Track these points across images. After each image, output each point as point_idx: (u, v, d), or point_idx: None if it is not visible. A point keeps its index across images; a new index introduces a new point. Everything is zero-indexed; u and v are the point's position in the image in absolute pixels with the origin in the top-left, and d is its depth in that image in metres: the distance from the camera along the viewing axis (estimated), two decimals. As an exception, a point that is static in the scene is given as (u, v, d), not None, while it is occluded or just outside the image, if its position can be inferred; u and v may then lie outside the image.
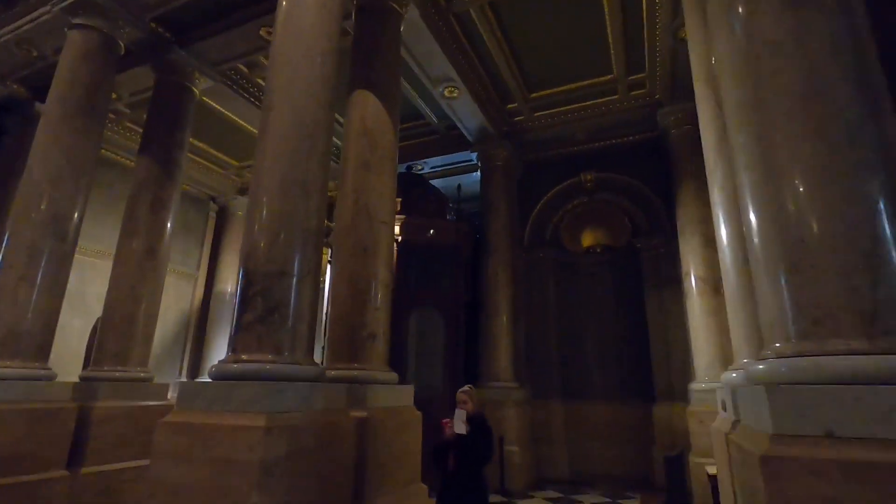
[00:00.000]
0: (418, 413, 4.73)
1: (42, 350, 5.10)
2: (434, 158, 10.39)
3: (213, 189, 12.29)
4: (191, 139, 9.73)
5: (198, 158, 11.11)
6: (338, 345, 4.41)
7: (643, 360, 8.67)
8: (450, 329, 8.15)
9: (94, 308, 10.14)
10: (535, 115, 9.05)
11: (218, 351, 11.53)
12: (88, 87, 5.78)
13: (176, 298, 11.63)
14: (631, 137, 9.20)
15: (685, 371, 8.04)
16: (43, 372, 5.02)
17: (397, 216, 8.17)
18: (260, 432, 2.87)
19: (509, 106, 8.89)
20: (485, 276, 8.82)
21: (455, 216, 9.27)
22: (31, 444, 4.73)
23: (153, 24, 6.56)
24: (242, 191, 12.27)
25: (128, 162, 10.71)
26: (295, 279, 3.54)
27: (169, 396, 6.64)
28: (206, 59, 7.09)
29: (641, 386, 8.62)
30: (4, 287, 4.96)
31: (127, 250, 6.17)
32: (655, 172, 9.05)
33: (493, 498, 7.07)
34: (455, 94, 7.88)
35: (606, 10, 6.63)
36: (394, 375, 4.60)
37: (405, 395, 4.70)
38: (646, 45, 7.16)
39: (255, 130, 9.41)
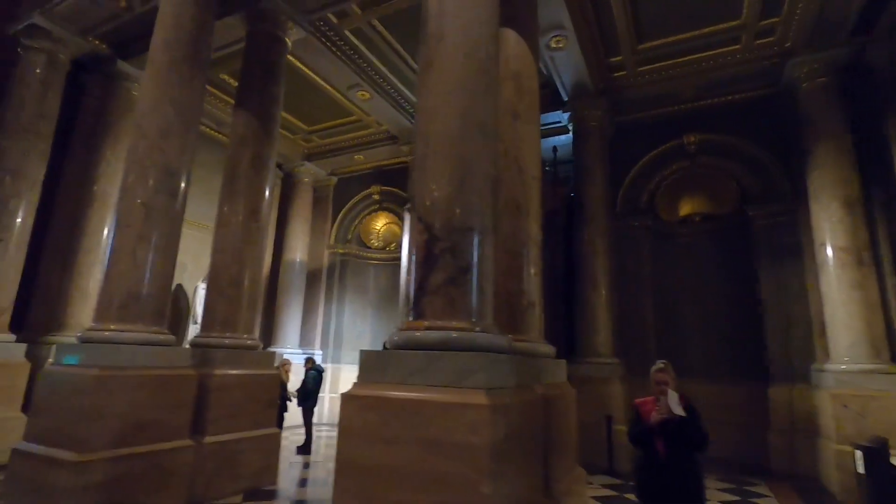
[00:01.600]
0: (574, 390, 4.27)
1: (160, 313, 4.81)
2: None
3: (278, 155, 11.91)
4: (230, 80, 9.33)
5: None
6: (496, 314, 3.93)
7: (753, 338, 8.01)
8: (556, 300, 7.64)
9: (176, 277, 10.04)
10: (639, 69, 8.24)
11: (290, 318, 11.37)
12: (192, 33, 5.33)
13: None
14: (743, 94, 8.32)
15: (807, 350, 7.37)
16: (162, 337, 4.74)
17: (494, 179, 7.61)
18: (485, 411, 2.43)
19: (613, 59, 8.10)
20: (580, 244, 8.22)
21: (552, 179, 8.63)
22: (156, 411, 4.48)
23: (249, -34, 6.04)
24: (310, 157, 11.88)
25: (204, 128, 10.41)
26: (480, 235, 3.05)
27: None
28: (301, 6, 6.56)
29: (751, 365, 7.98)
30: (122, 247, 4.65)
31: (230, 210, 5.82)
32: (770, 132, 8.19)
33: (604, 479, 6.68)
34: (561, 45, 7.15)
35: (757, -62, 5.77)
36: (552, 348, 4.12)
37: (562, 370, 4.24)
38: (792, -20, 6.27)
39: (334, 90, 8.94)
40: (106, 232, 7.66)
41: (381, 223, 12.55)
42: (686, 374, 8.34)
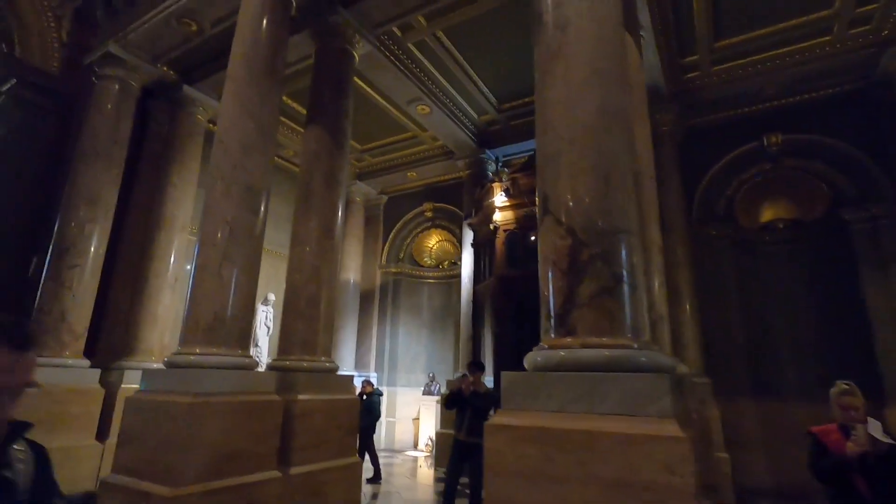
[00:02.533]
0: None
1: (244, 336, 4.59)
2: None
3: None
4: (294, 105, 9.30)
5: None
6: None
7: (860, 354, 7.24)
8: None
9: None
10: (715, 69, 7.79)
11: (345, 340, 11.14)
12: (269, 48, 5.23)
13: (300, 288, 11.37)
14: (832, 89, 7.73)
15: (929, 366, 6.59)
16: (247, 360, 4.50)
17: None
18: (684, 445, 2.01)
19: (686, 59, 7.69)
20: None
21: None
22: (245, 440, 4.21)
23: (320, -19, 5.97)
24: (361, 176, 11.79)
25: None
26: (630, 238, 2.66)
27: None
28: (368, 20, 6.45)
29: (858, 385, 7.19)
30: (207, 266, 4.47)
31: (305, 228, 5.62)
32: (864, 129, 7.55)
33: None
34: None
35: (862, -84, 5.32)
36: (686, 367, 3.65)
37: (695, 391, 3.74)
38: (898, -39, 5.77)
39: (391, 106, 8.81)
40: (173, 257, 7.63)
41: (433, 241, 12.30)
42: (783, 394, 7.67)
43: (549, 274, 2.74)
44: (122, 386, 6.66)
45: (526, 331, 7.45)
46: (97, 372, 6.51)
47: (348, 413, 5.41)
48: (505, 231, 7.68)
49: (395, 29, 7.01)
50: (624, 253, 2.62)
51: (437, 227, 11.99)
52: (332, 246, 5.75)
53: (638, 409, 2.20)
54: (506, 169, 10.66)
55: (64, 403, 6.02)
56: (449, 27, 7.16)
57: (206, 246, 4.53)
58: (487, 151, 10.01)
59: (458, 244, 11.60)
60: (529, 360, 2.70)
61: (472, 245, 8.95)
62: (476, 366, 5.33)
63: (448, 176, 11.27)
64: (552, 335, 2.64)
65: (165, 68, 7.76)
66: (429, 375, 11.07)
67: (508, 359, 7.18)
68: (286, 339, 5.34)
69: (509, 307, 7.42)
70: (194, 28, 6.73)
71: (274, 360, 5.35)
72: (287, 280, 5.59)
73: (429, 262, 12.32)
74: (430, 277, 12.06)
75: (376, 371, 11.52)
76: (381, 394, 8.36)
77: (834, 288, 7.67)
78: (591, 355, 2.39)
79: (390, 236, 12.24)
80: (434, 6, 6.35)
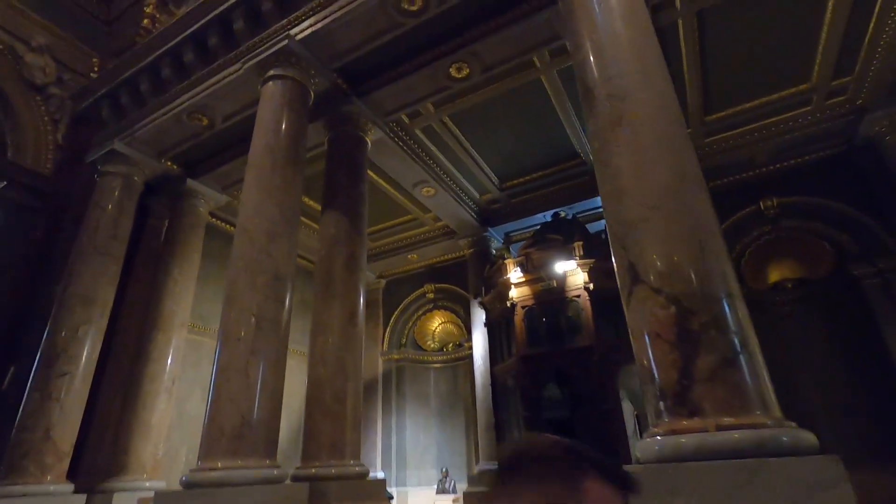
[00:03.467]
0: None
1: (272, 442, 4.07)
2: (579, 204, 9.53)
3: (328, 262, 11.66)
4: (311, 203, 9.28)
5: (315, 225, 10.46)
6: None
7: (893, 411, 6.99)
8: (665, 389, 6.76)
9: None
10: (706, 140, 8.19)
11: (350, 439, 10.24)
12: (291, 137, 5.24)
13: (300, 382, 10.61)
14: (819, 153, 8.17)
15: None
16: (276, 472, 3.95)
17: (583, 260, 7.18)
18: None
19: (679, 133, 8.07)
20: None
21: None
22: (277, 572, 3.56)
23: (334, 75, 6.15)
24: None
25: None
26: (734, 302, 2.48)
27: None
28: (381, 109, 6.61)
29: (901, 444, 6.87)
30: (232, 365, 4.05)
31: (328, 315, 5.28)
32: (854, 189, 7.90)
33: None
34: (636, 122, 7.12)
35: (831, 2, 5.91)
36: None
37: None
38: (867, 38, 6.34)
39: (393, 190, 8.87)
40: (171, 357, 7.05)
41: (436, 323, 11.91)
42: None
43: (651, 347, 2.49)
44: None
45: (555, 413, 6.99)
46: (82, 498, 5.67)
47: (384, 526, 4.74)
48: (523, 308, 7.45)
49: (403, 116, 7.21)
50: (733, 318, 2.41)
51: (439, 308, 11.68)
52: (357, 334, 5.39)
53: (809, 499, 1.87)
54: (507, 247, 10.69)
55: (42, 541, 5.13)
56: (454, 112, 7.42)
57: (229, 342, 4.14)
58: (490, 229, 10.04)
59: (462, 325, 11.26)
60: (646, 449, 2.36)
61: (486, 325, 8.64)
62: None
63: (449, 256, 11.19)
64: (667, 417, 2.34)
65: (169, 163, 7.70)
66: (442, 471, 10.16)
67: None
68: (312, 442, 4.78)
69: (536, 388, 6.99)
70: (205, 122, 6.76)
71: (298, 468, 4.73)
72: (309, 375, 5.14)
73: (432, 345, 11.84)
74: (435, 362, 11.51)
75: (383, 470, 10.53)
76: (391, 497, 7.55)
77: (855, 344, 7.57)
78: (735, 439, 2.08)
79: (391, 321, 11.82)
80: (442, 94, 6.58)
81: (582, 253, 7.26)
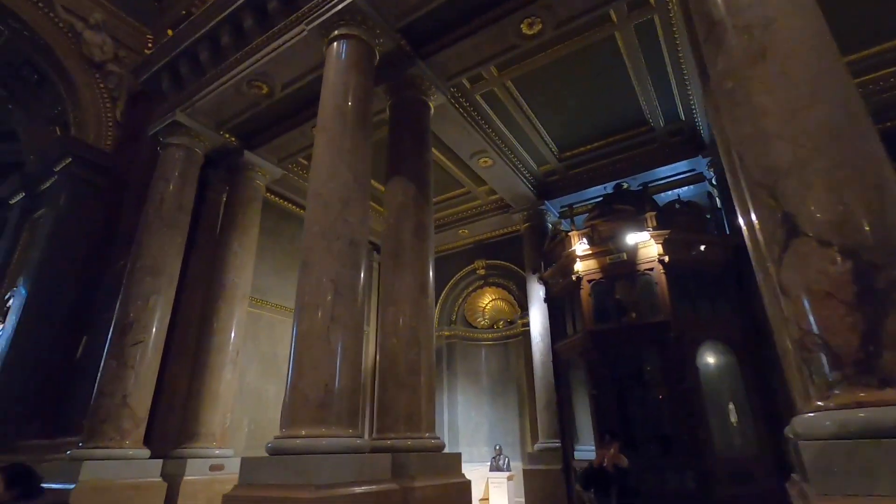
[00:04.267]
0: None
1: (354, 411, 3.94)
2: (640, 175, 8.99)
3: (375, 235, 11.48)
4: None
5: None
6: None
7: None
8: (747, 368, 6.34)
9: (286, 371, 9.28)
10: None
11: (404, 414, 10.22)
12: (360, 99, 5.01)
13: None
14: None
15: None
16: (359, 441, 3.82)
17: (657, 231, 6.75)
18: None
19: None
20: (762, 302, 7.00)
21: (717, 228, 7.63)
22: (367, 543, 3.44)
23: (398, 35, 5.86)
24: (410, 236, 11.42)
25: (303, 213, 10.21)
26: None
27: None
28: (444, 71, 6.30)
29: None
30: (313, 332, 3.92)
31: (399, 285, 5.10)
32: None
33: None
34: (718, 81, 6.55)
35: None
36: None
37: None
38: None
39: (449, 162, 8.57)
40: (234, 329, 7.07)
41: (487, 300, 11.68)
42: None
43: (818, 308, 2.15)
44: (185, 478, 5.87)
45: (628, 392, 6.68)
46: (158, 463, 5.77)
47: (462, 500, 4.59)
48: (589, 282, 7.10)
49: (464, 81, 6.89)
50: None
51: (490, 285, 11.42)
52: (428, 305, 5.20)
53: None
54: (562, 220, 10.28)
55: (124, 503, 5.25)
56: (518, 76, 7.04)
57: (309, 309, 4.00)
58: (546, 202, 9.66)
59: (515, 302, 10.99)
60: (812, 424, 2.04)
61: (546, 300, 8.34)
62: (614, 435, 4.56)
63: (501, 231, 10.88)
64: (842, 388, 2.01)
65: (227, 135, 7.64)
66: (495, 448, 10.02)
67: (613, 423, 6.34)
68: (387, 414, 4.65)
69: (605, 365, 6.68)
70: (265, 91, 6.62)
71: (374, 438, 4.62)
72: (381, 346, 4.99)
73: (483, 322, 11.64)
74: (486, 339, 11.31)
75: (435, 446, 10.49)
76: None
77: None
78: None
79: (440, 298, 11.65)
80: (509, 54, 6.19)
81: (655, 224, 6.82)
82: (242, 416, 8.01)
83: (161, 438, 6.42)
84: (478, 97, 7.29)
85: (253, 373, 8.50)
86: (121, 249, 8.55)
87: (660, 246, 6.68)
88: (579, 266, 7.20)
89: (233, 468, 6.48)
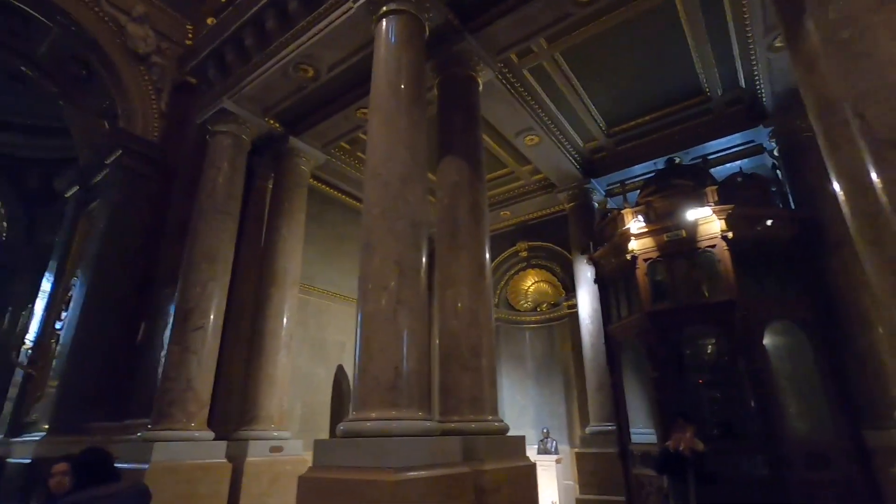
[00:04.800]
0: None
1: (425, 394, 3.89)
2: (695, 148, 8.56)
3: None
4: None
5: None
6: None
7: None
8: (821, 351, 5.99)
9: (334, 356, 9.41)
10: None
11: (450, 397, 10.24)
12: (413, 76, 4.87)
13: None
14: None
15: None
16: (429, 424, 3.76)
17: (719, 206, 6.41)
18: None
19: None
20: (835, 279, 6.59)
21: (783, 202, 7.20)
22: (443, 526, 3.39)
23: (446, 9, 5.66)
24: (450, 219, 11.30)
25: (346, 199, 10.23)
26: None
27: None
28: (493, 45, 6.08)
29: None
30: (379, 314, 3.86)
31: (456, 267, 5.00)
32: None
33: None
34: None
35: None
36: None
37: None
38: None
39: (492, 142, 8.36)
40: (286, 315, 7.14)
41: (529, 282, 11.50)
42: None
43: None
44: (247, 459, 6.01)
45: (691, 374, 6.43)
46: (223, 445, 5.91)
47: (529, 483, 4.52)
48: (646, 261, 6.83)
49: (512, 56, 6.64)
50: None
51: (533, 267, 11.23)
52: (486, 286, 5.09)
53: None
54: (608, 199, 9.96)
55: (192, 483, 5.40)
56: (567, 49, 6.74)
57: (374, 290, 3.94)
58: (592, 181, 9.35)
59: (559, 283, 10.78)
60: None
61: (596, 281, 8.10)
62: (687, 418, 4.38)
63: (544, 212, 10.64)
64: None
65: (272, 121, 7.65)
66: (542, 431, 9.94)
67: (674, 407, 6.13)
68: (450, 396, 4.59)
69: (665, 347, 6.44)
70: (311, 73, 6.56)
71: (438, 420, 4.57)
72: (441, 328, 4.92)
73: (525, 305, 11.48)
74: (530, 322, 11.16)
75: (481, 429, 10.48)
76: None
77: None
78: None
79: (482, 281, 11.52)
80: (561, 24, 5.92)
81: (717, 198, 6.48)
82: (295, 399, 8.15)
83: (221, 421, 6.58)
84: (525, 72, 7.04)
85: (303, 357, 8.62)
86: (171, 237, 8.75)
87: (722, 221, 6.34)
88: (634, 244, 6.93)
89: (291, 450, 6.64)
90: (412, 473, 3.25)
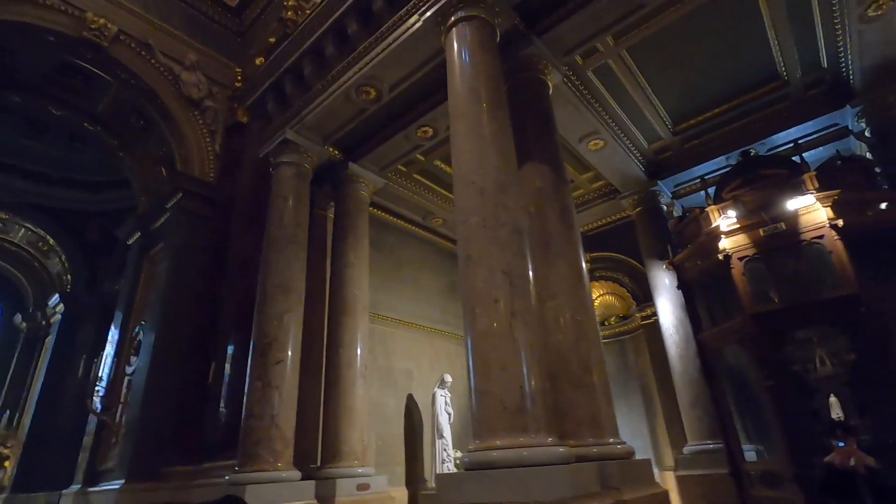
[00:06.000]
0: None
1: (550, 416, 3.49)
2: (769, 139, 8.04)
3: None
4: (447, 169, 8.74)
5: (452, 196, 9.78)
6: None
7: None
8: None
9: (403, 384, 9.07)
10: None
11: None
12: (493, 79, 4.67)
13: (461, 366, 10.27)
14: None
15: None
16: (563, 451, 3.34)
17: (822, 193, 5.88)
18: None
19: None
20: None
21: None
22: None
23: (514, 13, 5.48)
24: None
25: (401, 223, 10.07)
26: None
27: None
28: (561, 47, 5.84)
29: None
30: (494, 330, 3.53)
31: (553, 276, 4.64)
32: None
33: None
34: (880, 12, 5.66)
35: None
36: None
37: None
38: None
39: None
40: (359, 343, 6.87)
41: (594, 296, 10.95)
42: None
43: None
44: (336, 499, 5.66)
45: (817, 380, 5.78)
46: (311, 485, 5.61)
47: (667, 513, 4.00)
48: (741, 259, 6.30)
49: (576, 58, 6.40)
50: None
51: (596, 279, 10.69)
52: (587, 296, 4.71)
53: None
54: (675, 201, 9.46)
55: (286, 527, 5.09)
56: (634, 45, 6.47)
57: (484, 305, 3.62)
58: (659, 183, 8.90)
59: (628, 294, 10.23)
60: None
61: (680, 287, 7.56)
62: (846, 429, 3.81)
63: (606, 220, 10.19)
64: None
65: (332, 149, 7.59)
66: (627, 454, 9.22)
67: (797, 418, 5.50)
68: (566, 418, 4.15)
69: (777, 352, 5.83)
70: (373, 95, 6.46)
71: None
72: (546, 343, 4.51)
73: (592, 320, 10.90)
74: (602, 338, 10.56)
75: (558, 455, 9.85)
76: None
77: None
78: None
79: (543, 298, 11.06)
80: (630, 19, 5.64)
81: (817, 185, 5.95)
82: (370, 431, 7.82)
83: (302, 458, 6.28)
84: (589, 73, 6.77)
85: (374, 387, 8.31)
86: (234, 274, 8.74)
87: (828, 209, 5.80)
88: (725, 243, 6.42)
89: (376, 487, 6.26)
90: (560, 509, 2.84)
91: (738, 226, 6.36)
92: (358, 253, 7.35)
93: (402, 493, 7.70)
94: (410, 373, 9.11)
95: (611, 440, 4.15)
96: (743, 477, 6.25)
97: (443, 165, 8.60)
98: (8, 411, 14.34)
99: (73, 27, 8.71)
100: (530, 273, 3.91)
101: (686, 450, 7.63)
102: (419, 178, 8.95)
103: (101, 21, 8.95)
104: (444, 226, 10.10)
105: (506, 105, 4.68)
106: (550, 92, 5.90)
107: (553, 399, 4.28)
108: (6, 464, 13.46)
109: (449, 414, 8.38)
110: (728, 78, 7.22)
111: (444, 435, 8.07)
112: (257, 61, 9.85)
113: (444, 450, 7.99)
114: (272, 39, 9.53)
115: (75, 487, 8.84)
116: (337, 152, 7.68)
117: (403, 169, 8.64)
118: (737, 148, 8.10)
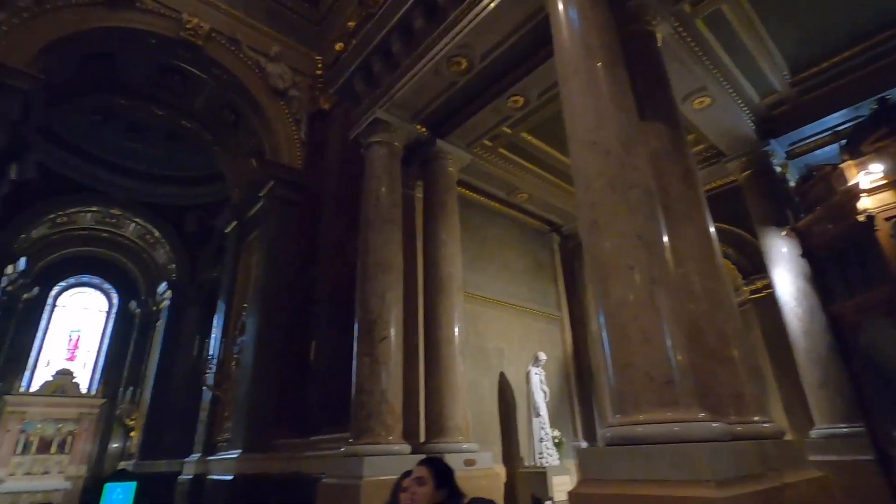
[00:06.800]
0: None
1: (699, 389, 3.21)
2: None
3: (555, 213, 10.71)
4: (534, 141, 8.34)
5: (538, 170, 9.39)
6: None
7: None
8: None
9: (495, 363, 9.01)
10: None
11: (622, 402, 9.33)
12: (605, 32, 4.34)
13: (550, 345, 10.04)
14: None
15: None
16: (717, 426, 3.05)
17: None
18: None
19: None
20: None
21: None
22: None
23: (618, -38, 5.05)
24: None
25: (485, 200, 9.90)
26: None
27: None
28: (670, -7, 5.32)
29: None
30: (632, 297, 3.28)
31: (679, 242, 4.23)
32: None
33: None
34: None
35: None
36: None
37: None
38: None
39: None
40: (457, 322, 6.81)
41: (693, 270, 10.24)
42: None
43: None
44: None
45: None
46: (419, 458, 5.64)
47: (829, 496, 3.60)
48: (887, 220, 5.53)
49: (685, 7, 5.82)
50: None
51: (695, 252, 9.96)
52: (719, 262, 4.29)
53: None
54: (788, 162, 8.52)
55: (401, 499, 5.15)
56: (753, -19, 5.78)
57: (619, 273, 3.37)
58: (771, 142, 8.04)
59: (733, 266, 9.41)
60: None
61: (805, 255, 6.82)
62: None
63: (707, 187, 9.38)
64: None
65: (419, 126, 7.51)
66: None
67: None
68: (707, 394, 3.82)
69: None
70: (464, 66, 6.28)
71: (698, 420, 3.83)
72: (678, 314, 4.19)
73: (690, 295, 10.22)
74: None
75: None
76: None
77: None
78: None
79: (635, 273, 10.49)
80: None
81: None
82: (466, 409, 7.82)
83: (408, 433, 6.38)
84: (698, 23, 6.15)
85: (467, 366, 8.28)
86: (327, 256, 9.01)
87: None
88: (867, 202, 5.66)
89: (482, 462, 6.24)
90: (738, 489, 2.58)
91: (884, 181, 5.57)
92: (450, 231, 7.28)
93: (501, 471, 7.67)
94: (502, 351, 8.99)
95: (757, 418, 3.78)
96: (894, 464, 5.57)
97: (530, 138, 8.28)
98: (131, 388, 15.97)
99: (172, 29, 9.22)
100: (665, 238, 3.59)
101: (815, 433, 6.94)
102: (504, 151, 8.67)
103: (195, 21, 9.40)
104: (530, 201, 9.80)
105: (622, 57, 4.32)
106: (660, 44, 5.41)
107: (695, 373, 3.98)
108: (132, 434, 15.04)
109: (545, 392, 8.20)
110: (858, 16, 6.31)
111: (541, 413, 7.91)
112: (336, 47, 9.99)
113: (542, 428, 7.84)
114: (351, 24, 9.62)
115: (195, 456, 9.63)
116: (424, 130, 7.60)
117: (489, 143, 8.41)
118: (866, 97, 7.09)
